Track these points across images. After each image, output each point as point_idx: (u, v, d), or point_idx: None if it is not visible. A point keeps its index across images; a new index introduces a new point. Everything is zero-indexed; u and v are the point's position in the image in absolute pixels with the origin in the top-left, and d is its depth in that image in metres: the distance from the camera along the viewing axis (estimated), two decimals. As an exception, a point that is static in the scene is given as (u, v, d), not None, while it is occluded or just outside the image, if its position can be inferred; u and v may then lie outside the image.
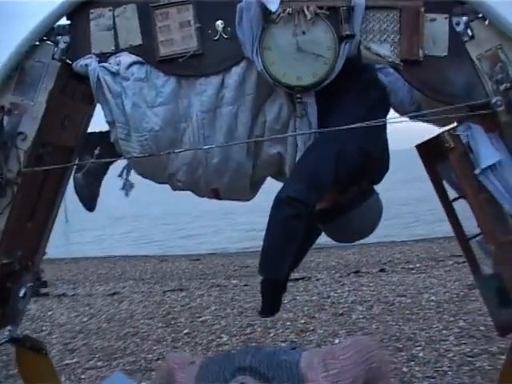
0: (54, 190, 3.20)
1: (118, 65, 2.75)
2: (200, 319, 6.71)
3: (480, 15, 2.64)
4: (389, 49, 2.64)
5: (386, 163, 2.96)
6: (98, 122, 3.18)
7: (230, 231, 20.13)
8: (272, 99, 2.78)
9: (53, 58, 2.80)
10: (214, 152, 2.81)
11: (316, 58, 2.61)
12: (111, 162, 2.99)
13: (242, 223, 20.83)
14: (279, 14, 2.61)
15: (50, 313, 7.83)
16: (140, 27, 2.75)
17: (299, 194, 2.61)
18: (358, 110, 2.73)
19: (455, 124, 2.75)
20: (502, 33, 2.61)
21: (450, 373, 4.85)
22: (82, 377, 4.97)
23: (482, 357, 4.80)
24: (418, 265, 9.67)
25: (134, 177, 3.09)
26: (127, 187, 3.09)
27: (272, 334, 5.95)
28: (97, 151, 2.87)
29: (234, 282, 8.93)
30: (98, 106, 2.93)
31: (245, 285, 8.71)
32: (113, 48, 2.77)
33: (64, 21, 2.82)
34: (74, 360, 5.64)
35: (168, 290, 8.74)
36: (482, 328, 5.45)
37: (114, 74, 2.75)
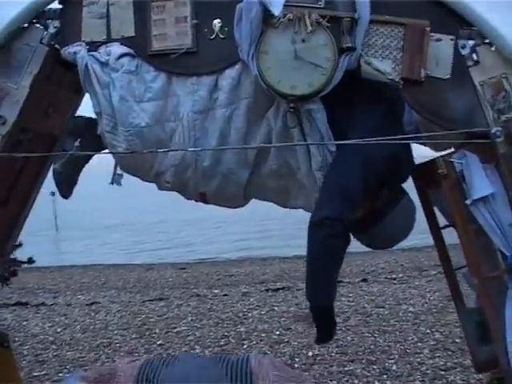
0: (33, 177, 3.09)
1: (108, 55, 2.64)
2: (175, 330, 6.69)
3: (487, 41, 2.54)
4: (390, 65, 2.54)
5: (412, 160, 2.83)
6: (87, 111, 3.07)
7: (221, 240, 20.06)
8: (276, 106, 2.65)
9: (41, 43, 2.69)
10: (205, 155, 2.71)
11: (313, 68, 2.51)
12: (92, 151, 2.88)
13: (234, 232, 20.75)
14: (279, 19, 2.50)
15: (25, 323, 7.76)
16: (134, 18, 2.65)
17: (333, 212, 2.50)
18: (377, 112, 2.64)
19: (451, 150, 2.65)
20: (508, 61, 2.51)
21: (421, 387, 4.81)
22: (49, 389, 4.95)
23: (456, 370, 4.86)
24: (400, 275, 9.65)
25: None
26: (116, 180, 2.98)
27: (245, 346, 5.93)
28: (77, 143, 2.75)
29: (215, 291, 8.89)
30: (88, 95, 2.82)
31: (224, 295, 8.67)
32: (104, 37, 2.67)
33: (56, 5, 2.70)
34: (43, 372, 5.59)
35: (147, 300, 8.69)
36: (457, 340, 5.45)
37: (103, 64, 2.65)
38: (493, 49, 2.55)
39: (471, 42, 2.56)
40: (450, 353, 5.31)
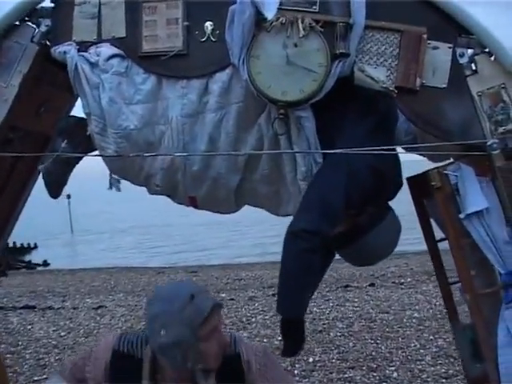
0: (25, 175, 3.08)
1: (97, 55, 2.60)
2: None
3: (486, 50, 2.46)
4: (384, 73, 2.46)
5: (400, 178, 2.73)
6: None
7: (238, 244, 19.98)
8: (268, 112, 2.58)
9: (32, 41, 2.65)
10: (194, 159, 2.66)
11: (305, 74, 2.44)
12: (83, 151, 2.84)
13: (252, 236, 20.63)
14: (272, 23, 2.44)
15: (29, 326, 7.79)
16: (126, 19, 2.60)
17: (311, 224, 2.40)
18: (365, 126, 2.54)
19: (446, 162, 2.58)
20: (507, 72, 2.43)
21: (421, 395, 4.75)
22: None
23: (457, 378, 4.83)
24: (409, 279, 9.58)
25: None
26: (114, 185, 2.94)
27: (247, 351, 5.93)
28: (64, 144, 2.72)
29: (223, 295, 8.85)
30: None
31: (231, 299, 8.65)
32: (95, 37, 2.62)
33: (48, 3, 2.66)
34: (44, 376, 5.59)
35: (154, 304, 8.78)
36: (460, 347, 5.43)
37: (93, 65, 2.60)
38: (492, 58, 2.46)
39: (470, 51, 2.48)
40: (452, 360, 5.25)
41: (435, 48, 2.46)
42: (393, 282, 9.31)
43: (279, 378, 2.29)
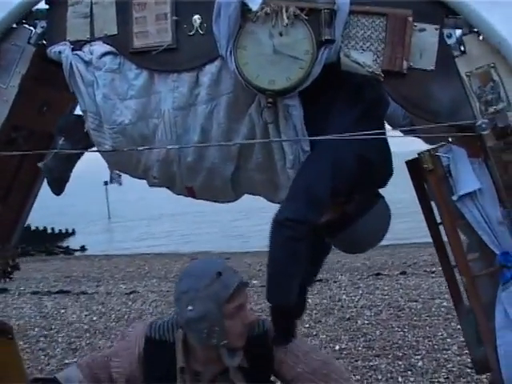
0: (31, 174, 3.15)
1: (91, 54, 2.67)
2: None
3: (474, 30, 2.43)
4: (371, 58, 2.46)
5: (389, 166, 2.72)
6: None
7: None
8: (258, 102, 2.60)
9: (28, 43, 2.73)
10: (188, 151, 2.70)
11: (292, 62, 2.45)
12: (83, 148, 2.91)
13: None
14: (257, 13, 2.46)
15: (63, 311, 7.99)
16: (117, 17, 2.65)
17: (297, 213, 2.42)
18: (351, 114, 2.53)
19: (439, 144, 2.55)
20: (496, 51, 2.39)
21: (445, 384, 4.71)
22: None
23: None
24: (440, 268, 9.43)
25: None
26: (115, 179, 3.02)
27: (273, 338, 5.95)
28: (61, 141, 2.79)
29: (254, 282, 8.86)
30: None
31: (262, 285, 8.65)
32: (88, 36, 2.69)
33: (43, 5, 2.74)
34: (75, 360, 5.72)
35: (185, 290, 8.89)
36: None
37: (87, 63, 2.67)
38: (480, 38, 2.43)
39: (458, 32, 2.45)
40: (478, 349, 5.16)
41: (422, 30, 2.44)
42: (424, 271, 9.22)
43: (307, 351, 2.45)
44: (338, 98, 2.56)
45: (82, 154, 2.93)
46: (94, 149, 2.81)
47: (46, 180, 2.96)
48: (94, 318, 7.49)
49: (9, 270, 3.21)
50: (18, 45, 2.73)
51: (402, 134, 2.90)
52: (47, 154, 3.01)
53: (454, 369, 5.04)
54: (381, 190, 2.75)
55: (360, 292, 7.93)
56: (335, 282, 8.84)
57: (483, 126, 2.38)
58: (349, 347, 5.81)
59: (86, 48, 2.67)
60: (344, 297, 7.60)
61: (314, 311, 7.06)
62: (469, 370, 4.79)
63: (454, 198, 2.45)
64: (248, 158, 2.72)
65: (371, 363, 5.34)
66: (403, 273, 9.13)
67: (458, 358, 5.21)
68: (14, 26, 2.74)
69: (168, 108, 2.64)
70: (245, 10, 2.48)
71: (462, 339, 5.55)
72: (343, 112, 2.52)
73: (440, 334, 5.92)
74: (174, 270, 11.66)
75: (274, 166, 2.66)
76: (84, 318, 7.52)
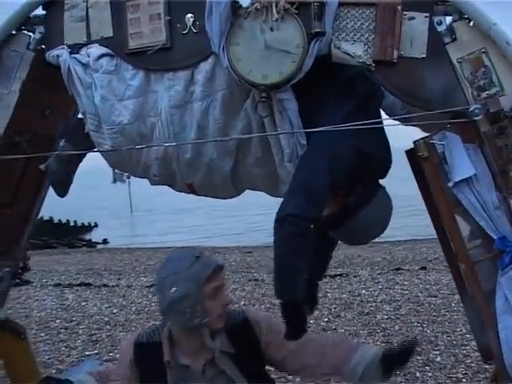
0: (38, 177, 3.21)
1: (88, 56, 2.72)
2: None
3: (465, 16, 2.43)
4: (362, 48, 2.47)
5: (387, 157, 2.73)
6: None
7: None
8: (253, 98, 2.63)
9: (28, 48, 2.80)
10: (186, 148, 2.74)
11: (283, 56, 2.48)
12: (85, 150, 2.96)
13: None
14: (247, 9, 2.49)
15: (84, 303, 8.07)
16: (112, 19, 2.71)
17: (298, 209, 2.44)
18: (345, 108, 2.54)
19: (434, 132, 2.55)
20: (487, 36, 2.39)
21: (463, 380, 4.71)
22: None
23: None
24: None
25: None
26: (118, 178, 3.08)
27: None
28: (62, 143, 2.85)
29: (275, 276, 8.88)
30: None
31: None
32: (85, 39, 2.75)
33: (41, 10, 2.80)
34: (95, 351, 5.81)
35: (204, 283, 8.91)
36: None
37: (85, 66, 2.73)
38: (471, 24, 2.43)
39: (448, 18, 2.45)
40: (497, 346, 5.11)
41: (411, 18, 2.44)
42: (445, 266, 9.11)
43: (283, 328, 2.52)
44: (330, 92, 2.57)
45: (84, 155, 2.98)
46: (94, 149, 2.86)
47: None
48: (115, 311, 7.56)
49: (19, 271, 3.28)
50: (17, 51, 2.80)
51: (398, 122, 2.89)
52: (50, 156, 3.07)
53: (473, 364, 5.00)
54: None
55: (380, 287, 7.91)
56: (355, 276, 8.82)
57: (476, 111, 2.38)
58: (367, 342, 5.80)
59: (83, 51, 2.73)
60: (364, 291, 7.59)
61: (334, 305, 7.06)
62: (487, 366, 4.74)
63: (450, 184, 2.44)
64: (246, 152, 2.75)
65: (390, 358, 5.31)
66: (423, 268, 9.07)
67: (477, 353, 5.12)
68: (13, 32, 2.81)
69: (165, 106, 2.68)
70: (236, 6, 2.51)
71: (482, 335, 5.54)
72: (336, 107, 2.53)
73: (459, 329, 5.88)
74: (194, 264, 11.69)
75: (272, 160, 2.69)
76: (104, 311, 7.60)
